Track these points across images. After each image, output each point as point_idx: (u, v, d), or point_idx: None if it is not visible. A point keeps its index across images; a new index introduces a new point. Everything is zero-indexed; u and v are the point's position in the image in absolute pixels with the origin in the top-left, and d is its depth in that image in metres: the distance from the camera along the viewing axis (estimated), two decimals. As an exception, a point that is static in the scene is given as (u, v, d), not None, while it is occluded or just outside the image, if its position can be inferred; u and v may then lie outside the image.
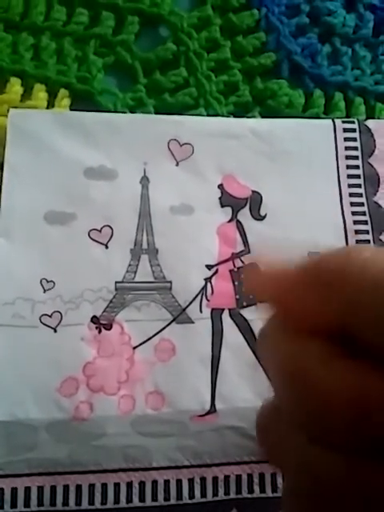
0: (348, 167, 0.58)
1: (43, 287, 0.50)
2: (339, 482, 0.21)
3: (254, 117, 0.60)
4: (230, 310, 0.52)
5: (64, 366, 0.49)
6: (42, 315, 0.50)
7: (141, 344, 0.50)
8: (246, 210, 0.55)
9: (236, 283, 0.53)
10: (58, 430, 0.47)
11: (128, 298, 0.51)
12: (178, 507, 0.47)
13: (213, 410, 0.49)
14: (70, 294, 0.50)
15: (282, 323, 0.23)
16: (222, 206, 0.55)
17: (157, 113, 0.59)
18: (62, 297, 0.50)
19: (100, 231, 0.52)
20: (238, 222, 0.55)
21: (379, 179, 0.58)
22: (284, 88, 0.62)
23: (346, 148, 0.58)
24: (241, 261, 0.53)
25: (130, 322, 0.50)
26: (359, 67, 0.65)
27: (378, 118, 0.62)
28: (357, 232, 0.55)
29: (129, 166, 0.54)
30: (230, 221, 0.55)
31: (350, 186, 0.57)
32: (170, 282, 0.52)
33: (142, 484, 0.47)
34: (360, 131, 0.59)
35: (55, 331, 0.49)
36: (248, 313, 0.52)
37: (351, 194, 0.57)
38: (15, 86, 0.57)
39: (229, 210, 0.55)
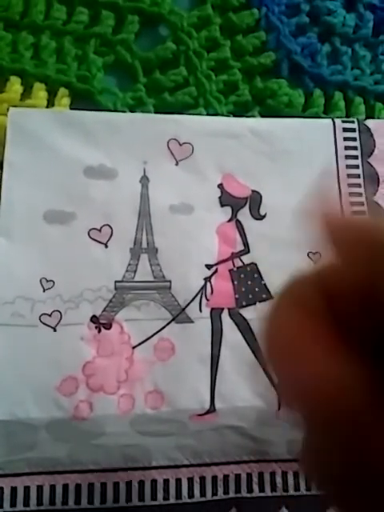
0: (348, 167, 0.58)
1: (43, 286, 0.50)
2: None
3: (253, 116, 0.60)
4: (229, 309, 0.52)
5: (64, 366, 0.49)
6: (42, 314, 0.50)
7: (140, 343, 0.50)
8: (246, 209, 0.55)
9: (235, 283, 0.53)
10: (58, 430, 0.47)
11: (127, 297, 0.51)
12: (177, 506, 0.47)
13: (212, 409, 0.49)
14: (70, 294, 0.50)
15: (293, 298, 0.25)
16: (222, 205, 0.55)
17: (157, 112, 0.59)
18: (62, 296, 0.50)
19: (100, 230, 0.52)
20: (238, 221, 0.55)
21: (379, 179, 0.58)
22: (284, 87, 0.62)
23: (346, 148, 0.58)
24: (240, 260, 0.54)
25: (129, 322, 0.51)
26: (359, 67, 0.65)
27: (378, 118, 0.62)
28: (356, 232, 0.55)
29: (128, 166, 0.55)
30: (229, 220, 0.55)
31: (349, 185, 0.57)
32: (170, 282, 0.52)
33: (141, 483, 0.47)
34: (360, 131, 0.59)
35: (55, 330, 0.49)
36: (247, 312, 0.52)
37: (351, 194, 0.57)
38: (15, 85, 0.57)
39: (228, 209, 0.55)
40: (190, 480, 0.48)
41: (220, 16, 0.63)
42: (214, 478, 0.48)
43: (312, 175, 0.57)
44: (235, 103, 0.61)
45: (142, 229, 0.53)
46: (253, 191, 0.56)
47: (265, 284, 0.53)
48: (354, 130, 0.59)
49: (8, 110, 0.54)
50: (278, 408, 0.50)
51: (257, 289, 0.53)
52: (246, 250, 0.54)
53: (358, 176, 0.58)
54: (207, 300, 0.52)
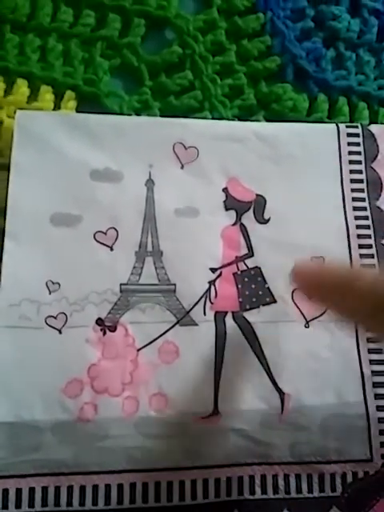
0: (351, 172, 0.58)
1: (49, 289, 0.50)
2: None
3: (258, 120, 0.60)
4: (233, 312, 0.53)
5: (69, 368, 0.49)
6: (48, 317, 0.50)
7: (145, 346, 0.50)
8: (250, 213, 0.55)
9: (239, 286, 0.53)
10: (63, 431, 0.47)
11: (132, 300, 0.51)
12: (180, 508, 0.47)
13: (216, 412, 0.49)
14: (76, 296, 0.51)
15: None
16: (227, 209, 0.55)
17: (162, 115, 0.59)
18: (68, 298, 0.50)
19: (105, 233, 0.53)
20: (242, 225, 0.55)
21: (382, 184, 0.58)
22: (288, 92, 0.62)
23: (350, 152, 0.59)
24: (244, 264, 0.54)
25: (134, 324, 0.51)
26: (363, 72, 0.65)
27: (382, 123, 0.62)
28: (359, 236, 0.56)
29: (134, 169, 0.55)
30: (234, 224, 0.55)
31: (353, 190, 0.57)
32: (175, 285, 0.52)
33: (144, 485, 0.48)
34: (363, 136, 0.59)
35: (60, 333, 0.50)
36: (251, 316, 0.53)
37: (354, 199, 0.57)
38: (22, 88, 0.58)
39: (233, 213, 0.55)
40: (193, 482, 0.48)
41: (226, 20, 0.64)
42: (217, 481, 0.48)
43: (316, 180, 0.57)
44: (240, 107, 0.61)
45: (147, 232, 0.53)
46: (257, 195, 0.56)
47: (268, 288, 0.53)
48: (357, 135, 0.59)
49: (15, 112, 0.55)
50: (281, 411, 0.50)
51: (260, 292, 0.53)
52: (250, 253, 0.54)
53: (362, 181, 0.58)
54: (211, 303, 0.52)
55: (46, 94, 0.58)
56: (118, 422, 0.48)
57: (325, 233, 0.55)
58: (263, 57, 0.63)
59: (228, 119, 0.60)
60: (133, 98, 0.59)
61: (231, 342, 0.52)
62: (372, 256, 0.55)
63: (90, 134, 0.55)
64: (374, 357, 0.52)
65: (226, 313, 0.52)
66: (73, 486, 0.47)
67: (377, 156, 0.59)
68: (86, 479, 0.47)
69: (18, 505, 0.46)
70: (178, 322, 0.51)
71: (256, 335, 0.52)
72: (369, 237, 0.56)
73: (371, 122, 0.62)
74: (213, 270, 0.53)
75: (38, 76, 0.58)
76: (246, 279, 0.53)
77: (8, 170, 0.53)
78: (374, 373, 0.52)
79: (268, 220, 0.55)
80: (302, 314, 0.53)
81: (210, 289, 0.53)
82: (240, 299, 0.53)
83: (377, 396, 0.52)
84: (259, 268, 0.54)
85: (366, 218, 0.57)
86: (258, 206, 0.56)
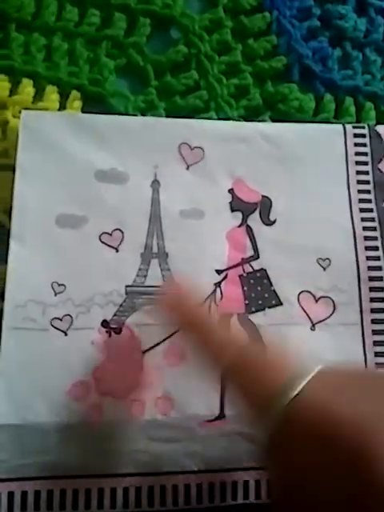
0: (358, 173, 0.58)
1: (54, 290, 0.50)
2: None
3: (264, 121, 0.60)
4: (238, 315, 0.52)
5: (74, 370, 0.49)
6: (53, 318, 0.50)
7: (150, 348, 0.50)
8: (256, 214, 0.55)
9: (245, 288, 0.53)
10: (68, 434, 0.47)
11: (138, 302, 0.51)
12: (186, 512, 0.48)
13: (222, 415, 0.49)
14: (81, 298, 0.51)
15: None
16: (232, 210, 0.55)
17: (167, 115, 0.59)
18: (73, 300, 0.50)
19: (111, 235, 0.52)
20: (248, 226, 0.55)
21: (388, 185, 0.58)
22: (295, 92, 0.62)
23: (356, 153, 0.58)
24: (250, 266, 0.54)
25: (139, 327, 0.51)
26: (370, 72, 0.65)
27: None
28: (366, 238, 0.55)
29: (140, 170, 0.55)
30: (239, 225, 0.55)
31: (359, 191, 0.57)
32: (180, 287, 0.52)
33: (150, 488, 0.47)
34: (370, 136, 0.59)
35: (66, 334, 0.50)
36: (257, 318, 0.52)
37: (360, 200, 0.57)
38: (27, 88, 0.58)
39: (239, 214, 0.55)
40: (199, 486, 0.48)
41: (232, 19, 0.64)
42: (223, 484, 0.48)
43: (322, 181, 0.57)
44: (246, 107, 0.61)
45: (152, 234, 0.53)
46: (263, 196, 0.56)
47: (274, 290, 0.53)
48: (364, 136, 0.59)
49: (20, 112, 0.54)
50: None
51: (266, 295, 0.53)
52: (256, 255, 0.54)
53: (368, 182, 0.58)
54: (217, 305, 0.52)
55: (52, 94, 0.58)
56: (123, 424, 0.48)
57: (331, 234, 0.55)
58: (269, 56, 0.63)
59: (234, 119, 0.60)
60: (138, 97, 0.59)
61: (237, 345, 0.51)
62: (378, 258, 0.55)
63: (96, 135, 0.55)
64: (380, 360, 0.52)
65: (232, 315, 0.52)
66: (78, 490, 0.47)
67: (383, 157, 0.59)
68: (91, 482, 0.47)
69: (24, 508, 0.46)
70: (183, 325, 0.51)
71: (261, 338, 0.52)
72: (375, 238, 0.56)
73: (378, 123, 0.62)
74: (218, 271, 0.53)
75: (43, 76, 0.58)
76: (252, 281, 0.53)
77: (13, 170, 0.53)
78: (380, 376, 0.52)
79: (274, 221, 0.55)
80: (308, 316, 0.52)
81: (215, 291, 0.52)
82: (246, 301, 0.53)
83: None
84: (265, 270, 0.54)
85: (373, 219, 0.56)
86: (264, 207, 0.55)
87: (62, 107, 0.58)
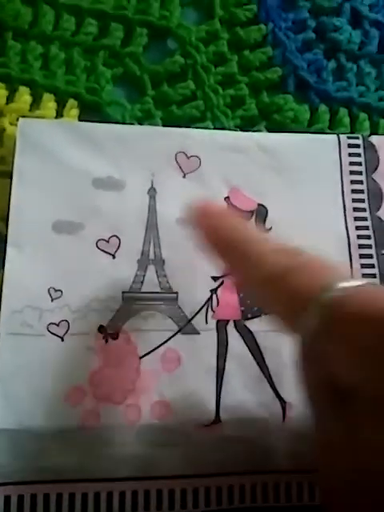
0: (352, 182, 0.58)
1: (51, 296, 0.50)
2: None
3: (260, 131, 0.61)
4: (234, 321, 0.53)
5: (71, 375, 0.49)
6: (50, 324, 0.50)
7: (147, 354, 0.50)
8: (252, 222, 0.55)
9: (241, 295, 0.53)
10: (65, 439, 0.47)
11: (134, 308, 0.51)
12: (182, 516, 0.47)
13: (217, 420, 0.49)
14: (78, 303, 0.51)
15: None
16: (228, 218, 0.55)
17: (164, 125, 0.59)
18: (70, 306, 0.50)
19: (108, 241, 0.53)
20: (244, 234, 0.55)
21: (382, 195, 0.59)
22: (290, 103, 0.62)
23: (351, 163, 0.59)
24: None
25: (136, 332, 0.51)
26: (364, 83, 0.65)
27: (382, 134, 0.63)
28: (360, 246, 0.56)
29: (136, 177, 0.55)
30: (235, 233, 0.55)
31: (354, 200, 0.58)
32: (176, 293, 0.52)
33: (146, 493, 0.47)
34: (364, 147, 0.60)
35: (62, 340, 0.50)
36: (253, 325, 0.53)
37: (355, 209, 0.57)
38: (24, 95, 0.58)
39: (235, 222, 0.55)
40: (195, 490, 0.48)
41: (228, 31, 0.64)
42: (219, 489, 0.48)
43: (317, 190, 0.57)
44: (242, 117, 0.61)
45: (149, 240, 0.53)
46: (259, 205, 0.56)
47: (270, 297, 0.53)
48: (358, 146, 0.60)
49: (17, 120, 0.55)
50: (282, 420, 0.50)
51: (262, 301, 0.53)
52: (252, 262, 0.54)
53: (362, 191, 0.58)
54: (213, 312, 0.52)
55: (49, 102, 0.58)
56: (120, 429, 0.48)
57: (326, 243, 0.55)
58: (265, 68, 0.64)
59: (230, 129, 0.60)
60: (135, 107, 0.60)
61: (233, 351, 0.52)
62: (373, 266, 0.55)
63: (93, 143, 0.55)
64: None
65: (228, 321, 0.52)
66: (75, 494, 0.46)
67: (377, 167, 0.59)
68: (87, 486, 0.47)
69: (20, 512, 0.46)
70: (179, 331, 0.51)
71: (258, 344, 0.52)
72: (369, 247, 0.56)
73: (372, 133, 0.62)
74: (214, 278, 0.53)
75: (40, 84, 0.58)
76: (248, 288, 0.54)
77: (10, 177, 0.53)
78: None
79: (269, 230, 0.55)
80: (304, 323, 0.53)
81: (211, 297, 0.53)
82: (242, 308, 0.53)
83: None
84: None
85: (367, 228, 0.57)
86: (260, 215, 0.56)
87: (59, 115, 0.58)
